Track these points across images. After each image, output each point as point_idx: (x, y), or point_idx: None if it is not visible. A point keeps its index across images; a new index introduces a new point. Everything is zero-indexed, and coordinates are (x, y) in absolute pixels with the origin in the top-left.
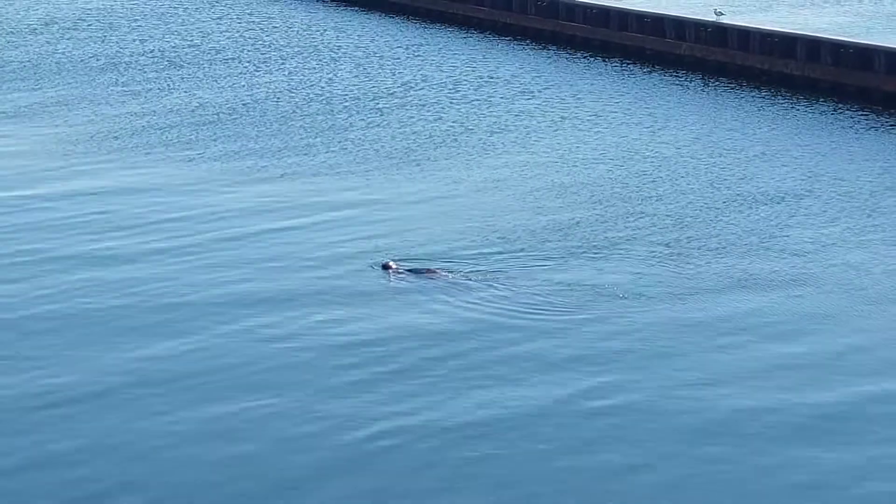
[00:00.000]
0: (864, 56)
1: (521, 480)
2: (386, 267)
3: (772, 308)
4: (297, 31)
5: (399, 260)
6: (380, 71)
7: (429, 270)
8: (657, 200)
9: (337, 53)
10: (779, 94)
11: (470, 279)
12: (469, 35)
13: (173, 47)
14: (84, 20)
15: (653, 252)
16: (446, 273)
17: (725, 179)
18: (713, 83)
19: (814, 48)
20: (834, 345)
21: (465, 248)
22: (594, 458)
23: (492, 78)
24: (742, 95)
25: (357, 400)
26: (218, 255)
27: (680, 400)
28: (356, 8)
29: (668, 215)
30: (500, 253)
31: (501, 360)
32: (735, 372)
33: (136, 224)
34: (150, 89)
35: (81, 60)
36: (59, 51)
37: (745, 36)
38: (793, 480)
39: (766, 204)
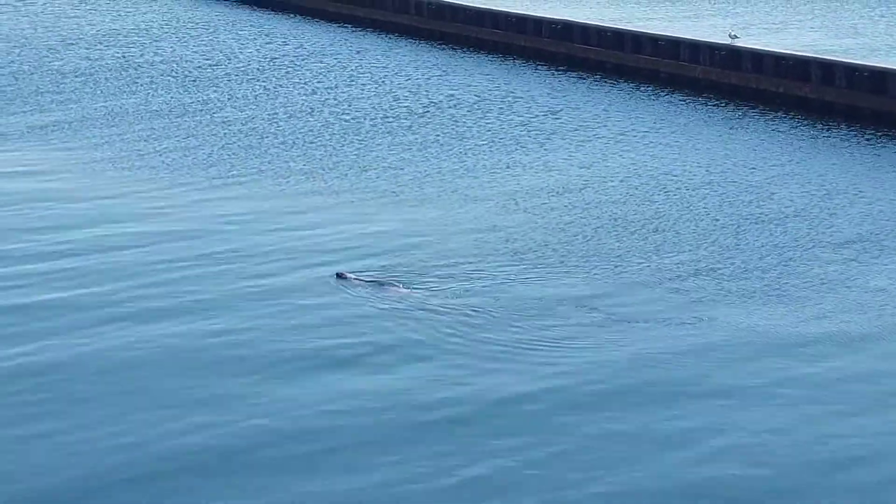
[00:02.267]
0: (878, 79)
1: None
2: (341, 276)
3: (790, 327)
4: (320, 53)
5: (359, 272)
6: (402, 91)
7: (386, 283)
8: (672, 221)
9: (361, 74)
10: (793, 116)
11: (426, 294)
12: (484, 58)
13: (198, 67)
14: (105, 40)
15: (658, 273)
16: (402, 287)
17: (741, 201)
18: (728, 106)
19: (828, 71)
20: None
21: (455, 263)
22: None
23: (511, 100)
24: (756, 118)
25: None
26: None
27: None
28: (373, 31)
29: (680, 236)
30: (486, 269)
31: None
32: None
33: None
34: (172, 108)
35: (102, 79)
36: (80, 70)
37: (759, 59)
38: None
39: (781, 225)
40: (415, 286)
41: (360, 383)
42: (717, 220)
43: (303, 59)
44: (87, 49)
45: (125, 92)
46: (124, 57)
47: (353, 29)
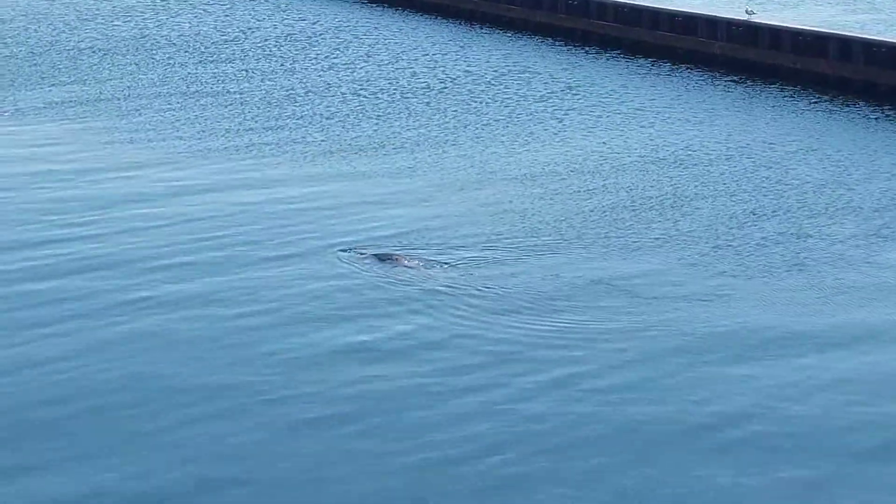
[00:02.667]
0: None
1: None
2: (353, 252)
3: (812, 306)
4: (336, 29)
5: (371, 248)
6: (419, 67)
7: (393, 256)
8: (690, 198)
9: (377, 51)
10: (810, 93)
11: (436, 269)
12: (500, 34)
13: (215, 42)
14: (122, 15)
15: (677, 249)
16: (418, 265)
17: (759, 177)
18: (745, 82)
19: (845, 47)
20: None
21: (472, 241)
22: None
23: (528, 76)
24: (774, 94)
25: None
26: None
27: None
28: (389, 7)
29: (699, 211)
30: (495, 246)
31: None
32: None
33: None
34: (189, 84)
35: (119, 55)
36: (97, 46)
37: (776, 35)
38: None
39: (801, 201)
40: (430, 265)
41: (376, 370)
42: (736, 195)
43: (319, 35)
44: (103, 25)
45: (142, 68)
46: (141, 33)
47: (368, 5)
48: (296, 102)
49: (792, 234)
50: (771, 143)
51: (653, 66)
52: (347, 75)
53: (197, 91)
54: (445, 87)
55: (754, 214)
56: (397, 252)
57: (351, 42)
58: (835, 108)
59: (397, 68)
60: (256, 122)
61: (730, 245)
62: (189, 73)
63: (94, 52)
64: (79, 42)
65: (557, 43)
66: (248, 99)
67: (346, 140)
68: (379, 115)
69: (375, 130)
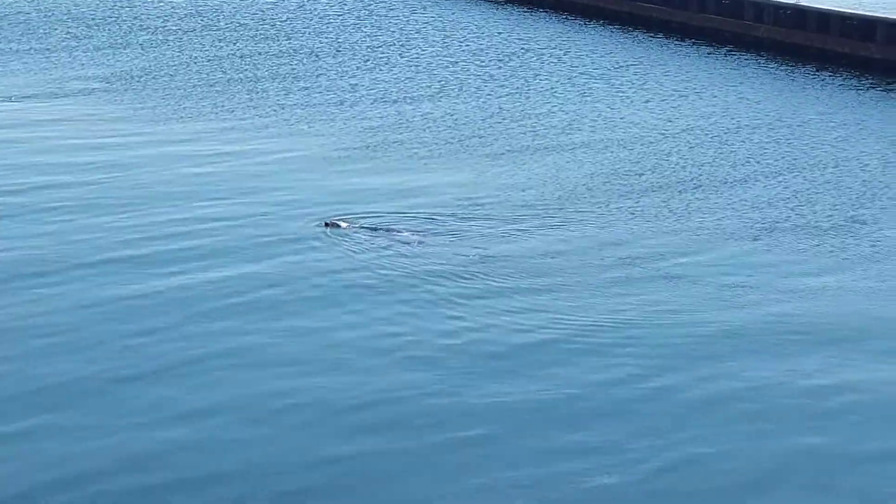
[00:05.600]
0: None
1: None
2: (331, 225)
3: (864, 293)
4: (386, 4)
5: (347, 217)
6: (469, 45)
7: (382, 229)
8: (741, 179)
9: (427, 28)
10: (859, 77)
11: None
12: (543, 15)
13: (265, 18)
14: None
15: (731, 230)
16: (403, 233)
17: (806, 163)
18: (792, 66)
19: (893, 31)
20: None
21: (497, 216)
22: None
23: (575, 57)
24: (822, 78)
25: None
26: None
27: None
28: None
29: (750, 192)
30: (524, 219)
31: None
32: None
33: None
34: (241, 56)
35: (174, 30)
36: (150, 22)
37: (824, 19)
38: None
39: (849, 187)
40: (456, 240)
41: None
42: (793, 173)
43: (369, 11)
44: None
45: (196, 43)
46: (196, 8)
47: None
48: (350, 76)
49: (844, 216)
50: (824, 125)
51: (699, 48)
52: (400, 52)
53: (247, 65)
54: (501, 62)
55: (808, 197)
56: (437, 226)
57: (403, 19)
58: (884, 91)
59: (449, 45)
60: (307, 96)
61: (781, 227)
62: (236, 49)
63: (148, 26)
64: (111, 14)
65: (604, 25)
66: (298, 75)
67: (402, 114)
68: (435, 92)
69: (432, 105)
